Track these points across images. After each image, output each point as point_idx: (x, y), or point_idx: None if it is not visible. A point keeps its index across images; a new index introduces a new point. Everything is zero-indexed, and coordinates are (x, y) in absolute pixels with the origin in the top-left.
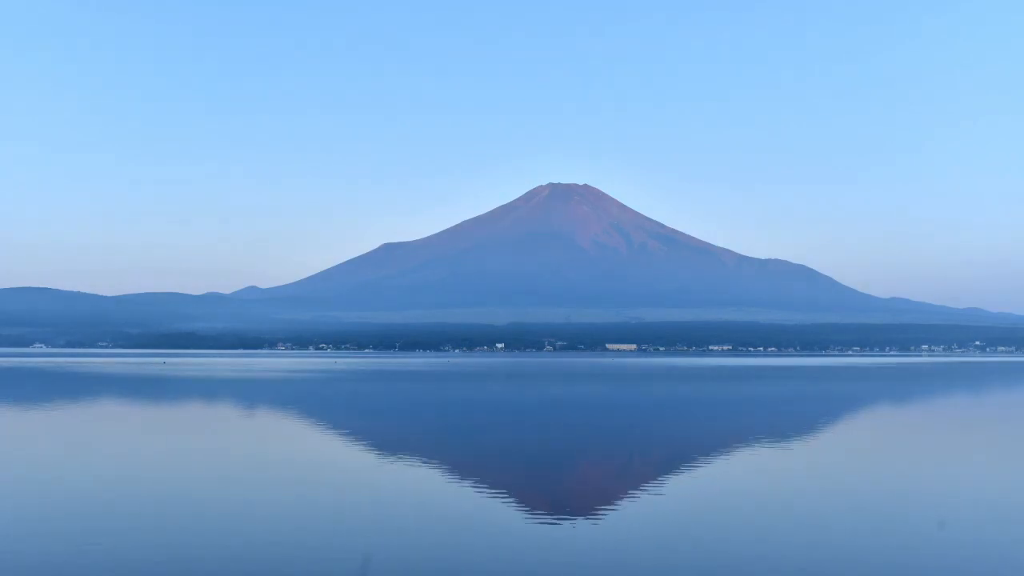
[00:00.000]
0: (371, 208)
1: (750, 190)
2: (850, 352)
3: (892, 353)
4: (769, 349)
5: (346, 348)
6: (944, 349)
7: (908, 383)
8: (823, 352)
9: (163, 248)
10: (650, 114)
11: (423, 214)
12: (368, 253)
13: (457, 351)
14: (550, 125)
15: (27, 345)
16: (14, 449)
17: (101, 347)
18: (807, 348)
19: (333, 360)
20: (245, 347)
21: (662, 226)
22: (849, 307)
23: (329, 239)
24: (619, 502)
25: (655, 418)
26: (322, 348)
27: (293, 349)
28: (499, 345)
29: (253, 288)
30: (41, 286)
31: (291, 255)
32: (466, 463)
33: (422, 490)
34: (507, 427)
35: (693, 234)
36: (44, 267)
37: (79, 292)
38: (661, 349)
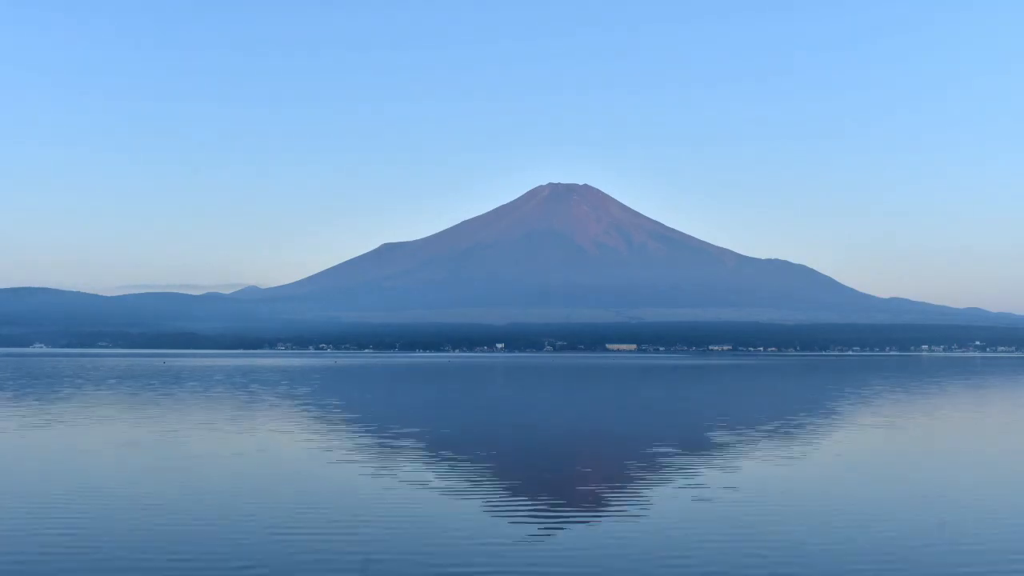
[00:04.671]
0: (371, 208)
1: (750, 190)
2: (850, 352)
3: (892, 353)
4: (769, 349)
5: (346, 348)
6: (944, 349)
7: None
8: (823, 352)
9: (163, 248)
10: (650, 114)
11: (423, 214)
12: (368, 253)
13: (457, 351)
14: (550, 125)
15: (27, 345)
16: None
17: (101, 347)
18: (807, 348)
19: (333, 360)
20: (245, 347)
21: (662, 226)
22: (849, 307)
23: (329, 239)
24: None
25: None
26: (322, 348)
27: (293, 349)
28: (499, 345)
29: (253, 288)
30: (41, 286)
31: (291, 255)
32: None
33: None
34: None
35: (693, 234)
36: (44, 267)
37: (79, 292)
38: (661, 349)
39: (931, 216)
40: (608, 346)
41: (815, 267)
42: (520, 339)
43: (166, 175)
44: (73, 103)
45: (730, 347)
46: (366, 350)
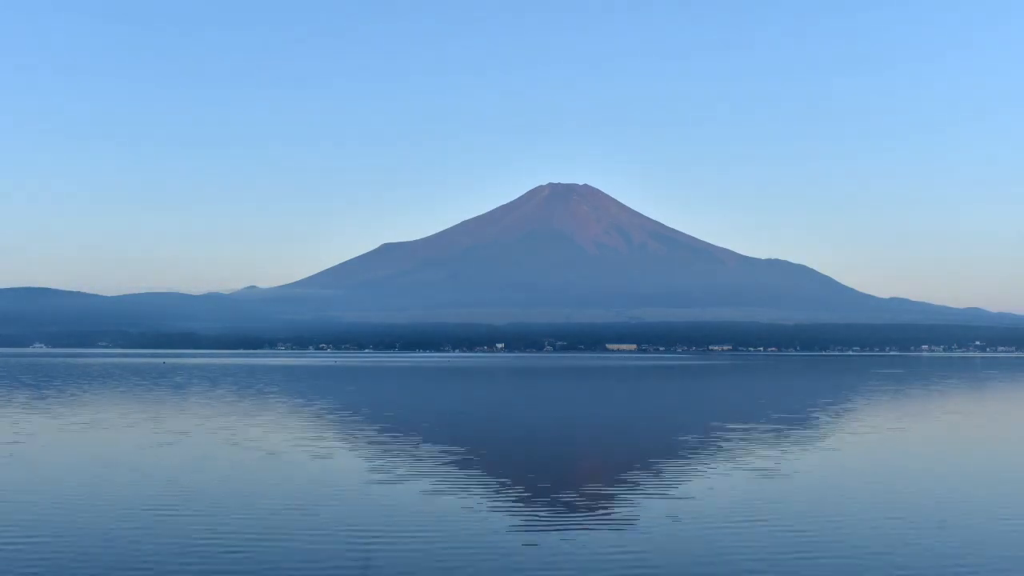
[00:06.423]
0: (371, 208)
1: (750, 190)
2: (850, 352)
3: (892, 352)
4: (769, 349)
5: (346, 348)
6: (944, 349)
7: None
8: (823, 352)
9: (163, 248)
10: (650, 114)
11: (423, 214)
12: (368, 253)
13: (457, 351)
14: (550, 125)
15: (27, 345)
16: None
17: (101, 347)
18: (807, 348)
19: (333, 360)
20: (245, 347)
21: (662, 226)
22: (849, 307)
23: (329, 239)
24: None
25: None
26: (322, 348)
27: (293, 349)
28: (499, 345)
29: (253, 288)
30: (41, 286)
31: (291, 255)
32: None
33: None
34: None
35: (693, 234)
36: (44, 267)
37: (79, 292)
38: (661, 349)
39: (931, 216)
40: (608, 346)
41: (815, 267)
42: (520, 339)
43: (166, 175)
44: (73, 103)
45: (730, 347)
46: (366, 350)
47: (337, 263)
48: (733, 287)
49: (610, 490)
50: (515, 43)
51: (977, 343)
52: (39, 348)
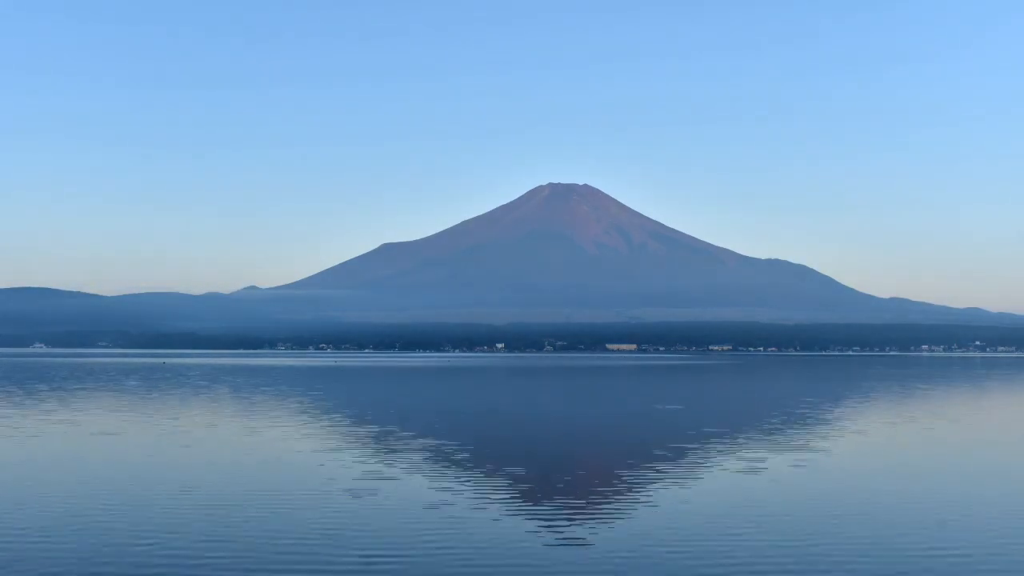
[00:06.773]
0: (371, 208)
1: (750, 190)
2: (850, 352)
3: (892, 352)
4: (769, 349)
5: (346, 348)
6: (944, 349)
7: None
8: (823, 352)
9: (163, 248)
10: (650, 113)
11: (423, 214)
12: (368, 253)
13: (457, 351)
14: (550, 125)
15: (27, 345)
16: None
17: (101, 347)
18: (807, 348)
19: (333, 360)
20: (245, 347)
21: (662, 226)
22: (849, 307)
23: (329, 239)
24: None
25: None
26: (322, 348)
27: (293, 349)
28: (499, 345)
29: (253, 288)
30: (41, 286)
31: (291, 255)
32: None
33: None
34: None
35: (693, 234)
36: (44, 267)
37: (79, 292)
38: (661, 349)
39: (931, 216)
40: (608, 346)
41: (815, 267)
42: (520, 339)
43: (166, 175)
44: (73, 103)
45: (730, 347)
46: (366, 350)
47: (337, 263)
48: (733, 287)
49: (604, 489)
50: (515, 43)
51: (977, 343)
52: (39, 348)
